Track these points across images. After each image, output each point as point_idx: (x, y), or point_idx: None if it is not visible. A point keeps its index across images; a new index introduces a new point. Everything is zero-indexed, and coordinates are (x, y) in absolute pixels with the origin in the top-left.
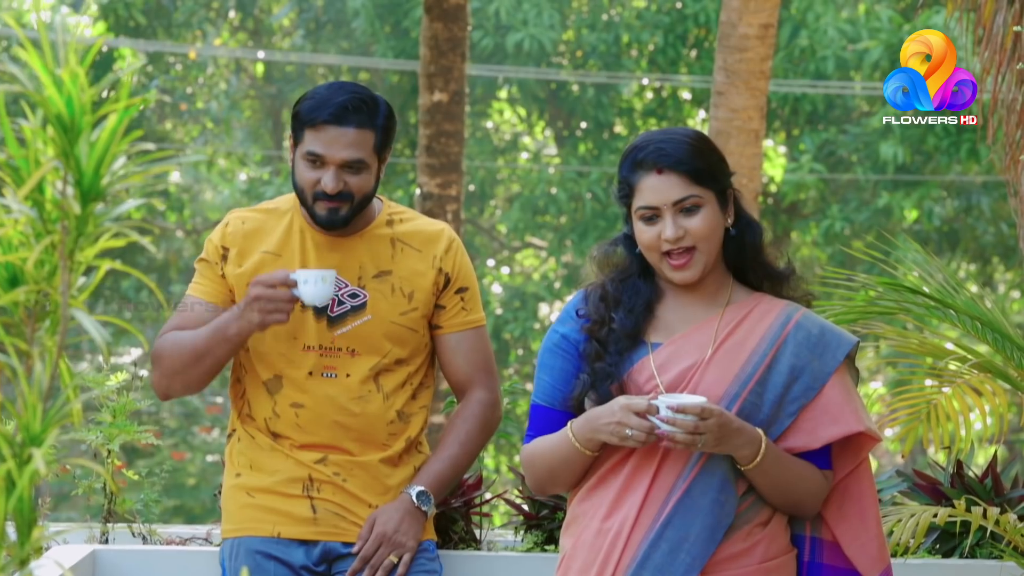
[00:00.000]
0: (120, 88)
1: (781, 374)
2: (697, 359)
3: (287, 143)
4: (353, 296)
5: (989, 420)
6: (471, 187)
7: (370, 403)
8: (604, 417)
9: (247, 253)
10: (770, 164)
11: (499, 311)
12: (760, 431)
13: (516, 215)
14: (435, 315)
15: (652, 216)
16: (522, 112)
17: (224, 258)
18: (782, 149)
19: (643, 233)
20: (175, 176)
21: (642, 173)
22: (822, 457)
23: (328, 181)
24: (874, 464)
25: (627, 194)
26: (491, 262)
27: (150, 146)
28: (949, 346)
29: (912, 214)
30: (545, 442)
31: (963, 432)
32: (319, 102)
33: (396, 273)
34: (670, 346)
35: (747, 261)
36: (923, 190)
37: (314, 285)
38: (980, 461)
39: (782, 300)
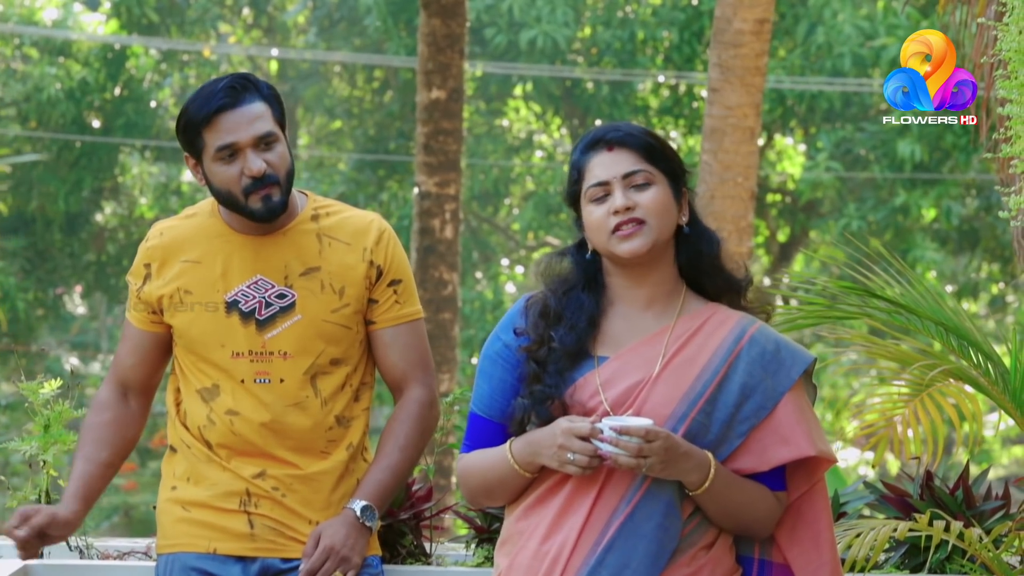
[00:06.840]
0: None
1: (731, 393)
2: (644, 376)
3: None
4: (280, 296)
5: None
6: (485, 186)
7: (307, 410)
8: (545, 440)
9: (168, 264)
10: (789, 162)
11: None
12: (709, 455)
13: (531, 214)
14: (369, 310)
15: (603, 196)
16: (537, 109)
17: (147, 277)
18: (802, 148)
19: (592, 215)
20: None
21: (592, 154)
22: (775, 478)
23: (251, 163)
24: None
25: (577, 179)
26: (506, 261)
27: None
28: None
29: (930, 213)
30: (483, 457)
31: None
32: (203, 100)
33: (325, 269)
34: (616, 360)
35: (703, 268)
36: (941, 188)
37: None
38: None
39: (738, 312)
